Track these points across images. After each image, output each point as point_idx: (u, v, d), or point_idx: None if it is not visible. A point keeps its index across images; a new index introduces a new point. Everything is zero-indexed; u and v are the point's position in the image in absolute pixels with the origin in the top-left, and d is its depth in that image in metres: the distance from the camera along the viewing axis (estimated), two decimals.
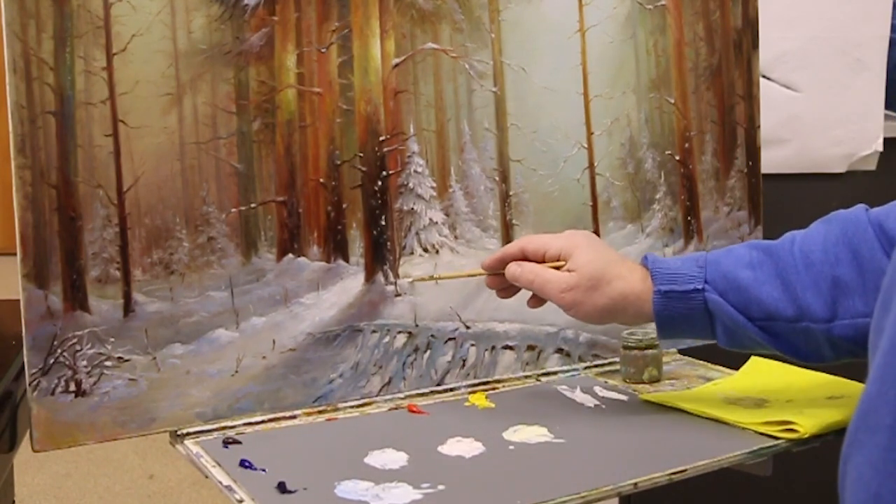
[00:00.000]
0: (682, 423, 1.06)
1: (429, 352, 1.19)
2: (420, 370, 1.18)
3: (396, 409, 1.13)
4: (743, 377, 1.22)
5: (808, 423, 1.00)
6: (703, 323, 1.04)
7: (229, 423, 1.06)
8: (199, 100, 1.05)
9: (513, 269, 1.08)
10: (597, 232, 1.30)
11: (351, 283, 1.14)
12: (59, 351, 0.99)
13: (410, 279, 1.18)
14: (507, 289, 1.11)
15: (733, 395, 1.13)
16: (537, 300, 1.10)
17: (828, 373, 1.16)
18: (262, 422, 1.07)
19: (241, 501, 0.88)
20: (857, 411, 0.75)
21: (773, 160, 1.62)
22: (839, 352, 1.00)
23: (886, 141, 1.77)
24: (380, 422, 1.09)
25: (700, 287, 1.03)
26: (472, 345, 1.21)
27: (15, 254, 0.97)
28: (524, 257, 1.09)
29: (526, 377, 1.23)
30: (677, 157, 1.36)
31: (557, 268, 1.07)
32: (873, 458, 0.71)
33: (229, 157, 1.07)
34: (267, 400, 1.09)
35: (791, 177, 1.75)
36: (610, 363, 1.27)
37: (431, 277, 1.17)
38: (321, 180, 1.13)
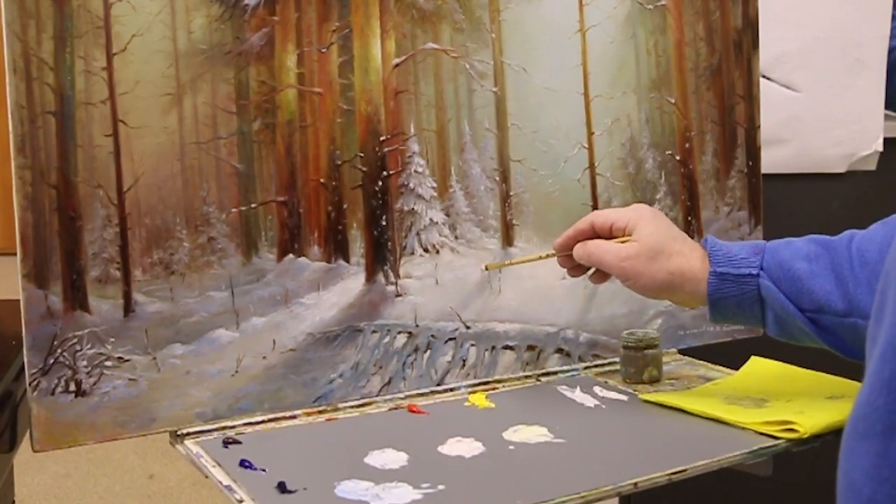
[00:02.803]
0: (682, 423, 1.06)
1: (429, 352, 1.18)
2: (420, 370, 1.18)
3: (396, 409, 1.13)
4: (743, 377, 1.22)
5: (808, 423, 1.00)
6: (755, 309, 1.05)
7: (229, 423, 1.05)
8: (200, 100, 1.05)
9: (577, 250, 1.12)
10: None
11: (351, 283, 1.14)
12: (59, 351, 0.99)
13: (484, 267, 1.19)
14: (577, 267, 1.15)
15: (733, 395, 1.13)
16: (600, 275, 1.13)
17: (828, 373, 1.16)
18: (262, 422, 1.07)
19: (241, 501, 0.88)
20: (849, 419, 0.74)
21: (773, 160, 1.62)
22: None
23: (886, 141, 1.77)
24: (380, 422, 1.09)
25: (755, 272, 1.04)
26: (472, 345, 1.21)
27: (15, 254, 0.97)
28: (593, 230, 1.12)
29: (526, 377, 1.23)
30: (678, 157, 1.36)
31: (623, 242, 1.09)
32: (865, 464, 0.71)
33: (229, 157, 1.07)
34: (267, 400, 1.09)
35: (791, 177, 1.75)
36: (610, 363, 1.27)
37: (504, 264, 1.20)
38: (322, 180, 1.13)
